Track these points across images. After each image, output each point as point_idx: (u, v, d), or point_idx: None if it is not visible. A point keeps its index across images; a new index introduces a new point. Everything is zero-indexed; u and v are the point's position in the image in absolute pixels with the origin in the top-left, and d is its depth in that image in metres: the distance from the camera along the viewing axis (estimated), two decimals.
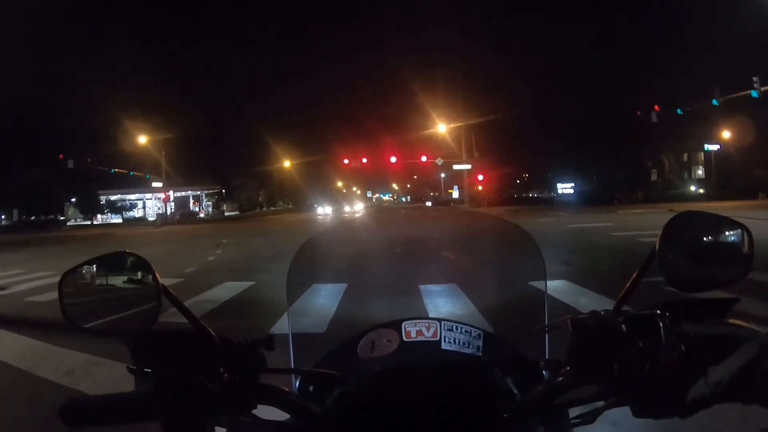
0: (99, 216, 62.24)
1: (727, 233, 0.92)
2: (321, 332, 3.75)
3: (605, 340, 0.80)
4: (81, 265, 0.99)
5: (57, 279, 0.96)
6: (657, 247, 0.84)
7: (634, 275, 0.86)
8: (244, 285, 9.25)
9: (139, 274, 0.96)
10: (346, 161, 48.82)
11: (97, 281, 1.00)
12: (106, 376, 4.55)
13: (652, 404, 0.77)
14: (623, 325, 0.80)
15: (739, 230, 0.90)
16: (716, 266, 0.90)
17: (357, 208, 57.24)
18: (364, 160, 48.11)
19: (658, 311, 0.80)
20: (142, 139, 47.37)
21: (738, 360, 0.75)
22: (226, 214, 68.89)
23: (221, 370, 0.80)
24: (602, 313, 0.85)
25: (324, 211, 52.34)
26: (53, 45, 70.10)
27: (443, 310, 4.63)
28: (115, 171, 50.32)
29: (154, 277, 0.92)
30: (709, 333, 0.78)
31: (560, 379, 0.85)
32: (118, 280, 0.99)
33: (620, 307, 0.85)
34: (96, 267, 1.00)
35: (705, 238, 0.92)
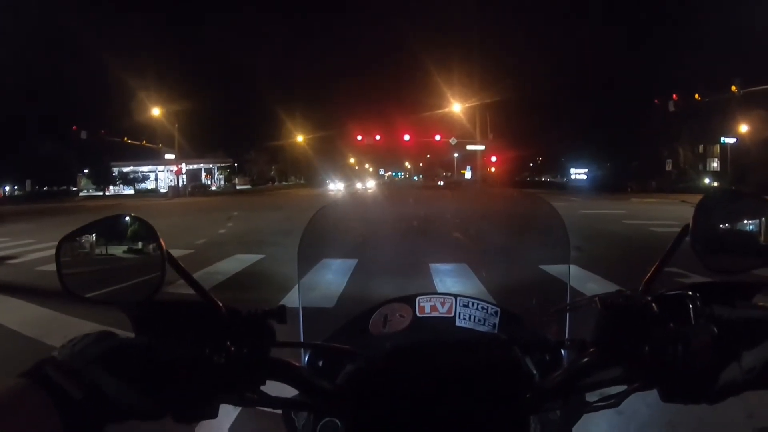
0: (111, 187, 62.96)
1: (763, 215, 0.86)
2: (330, 307, 3.73)
3: (635, 320, 0.75)
4: (80, 230, 0.91)
5: None
6: (690, 224, 0.80)
7: (664, 254, 0.82)
8: (254, 258, 9.33)
9: (141, 243, 0.89)
10: (359, 137, 48.38)
11: (97, 250, 0.92)
12: None
13: (682, 389, 0.72)
14: (653, 305, 0.76)
15: None
16: (751, 249, 0.85)
17: (369, 185, 57.15)
18: (378, 137, 47.76)
19: (689, 292, 0.76)
20: (156, 111, 47.49)
21: None
22: (238, 187, 69.17)
23: (228, 343, 0.75)
24: (628, 292, 0.80)
25: (336, 186, 52.33)
26: (68, 15, 69.91)
27: (453, 289, 4.60)
28: (127, 141, 50.49)
29: (159, 244, 0.85)
30: (742, 316, 0.74)
31: (585, 360, 0.81)
32: (119, 249, 0.91)
33: (648, 286, 0.80)
34: (95, 235, 0.92)
35: (741, 219, 0.86)
